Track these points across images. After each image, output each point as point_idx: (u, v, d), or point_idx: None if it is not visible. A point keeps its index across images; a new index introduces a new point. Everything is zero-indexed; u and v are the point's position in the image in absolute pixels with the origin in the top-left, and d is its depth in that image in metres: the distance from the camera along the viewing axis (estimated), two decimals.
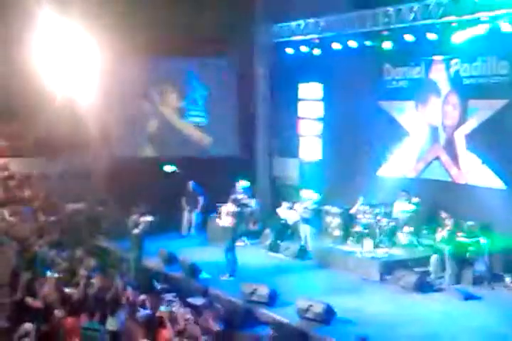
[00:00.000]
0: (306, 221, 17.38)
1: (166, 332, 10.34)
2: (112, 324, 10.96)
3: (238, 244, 18.25)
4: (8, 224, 17.38)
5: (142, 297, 11.94)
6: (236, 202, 16.06)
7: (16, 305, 11.38)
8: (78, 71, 19.84)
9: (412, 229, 16.08)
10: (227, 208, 15.67)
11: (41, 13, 18.88)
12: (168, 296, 12.46)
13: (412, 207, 16.31)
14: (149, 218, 15.68)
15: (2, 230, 16.78)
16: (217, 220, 16.22)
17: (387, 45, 16.67)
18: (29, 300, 11.68)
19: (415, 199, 16.41)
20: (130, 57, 19.79)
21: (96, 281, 13.00)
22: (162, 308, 11.15)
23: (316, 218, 17.69)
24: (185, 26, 19.28)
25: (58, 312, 10.97)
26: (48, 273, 13.50)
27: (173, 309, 11.18)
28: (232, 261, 15.36)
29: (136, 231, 15.70)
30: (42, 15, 18.92)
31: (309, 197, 17.55)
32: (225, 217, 15.61)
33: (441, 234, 14.68)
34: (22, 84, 19.38)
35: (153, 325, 10.49)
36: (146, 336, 10.14)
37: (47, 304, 11.45)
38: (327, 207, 18.12)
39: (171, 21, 19.14)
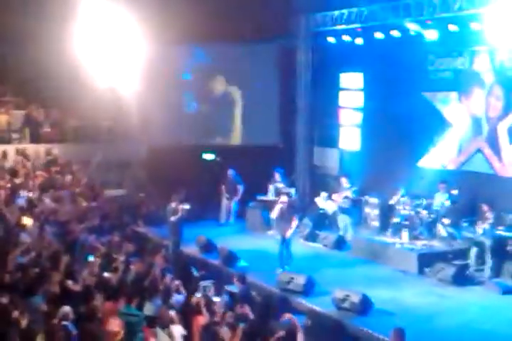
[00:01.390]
0: (344, 211, 17.34)
1: (202, 319, 10.39)
2: (149, 309, 11.08)
3: (273, 232, 18.39)
4: (49, 208, 17.60)
5: (176, 282, 12.03)
6: (288, 194, 15.73)
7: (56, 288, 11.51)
8: (120, 59, 20.01)
9: (451, 221, 15.89)
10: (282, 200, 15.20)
11: (84, 1, 19.08)
12: (205, 283, 12.55)
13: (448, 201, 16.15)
14: (187, 206, 15.79)
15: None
16: (272, 213, 15.57)
17: (431, 34, 16.49)
18: (69, 283, 11.82)
19: (454, 191, 16.23)
20: (173, 44, 19.86)
21: (134, 267, 13.14)
22: (198, 294, 11.22)
23: (354, 208, 17.64)
24: (228, 14, 19.30)
25: (97, 297, 11.11)
26: (88, 258, 13.70)
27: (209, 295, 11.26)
28: (288, 255, 14.98)
29: (173, 218, 15.83)
30: (85, 3, 19.10)
31: (348, 186, 17.49)
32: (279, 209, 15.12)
33: (482, 226, 14.53)
34: (65, 72, 19.63)
35: (188, 310, 10.55)
36: (181, 322, 10.20)
37: (86, 288, 11.58)
38: (366, 198, 18.03)
39: (214, 9, 19.17)
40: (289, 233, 14.85)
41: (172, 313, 10.48)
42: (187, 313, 10.43)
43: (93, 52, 19.81)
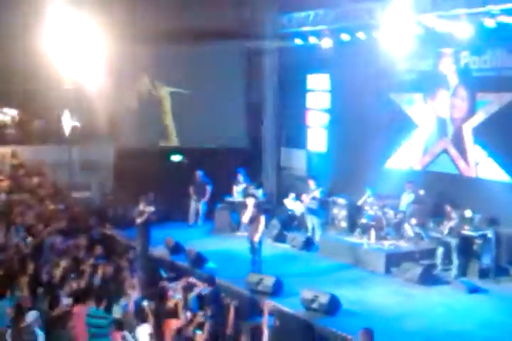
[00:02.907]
0: (312, 212, 17.42)
1: (174, 322, 10.36)
2: (117, 312, 11.03)
3: (244, 234, 18.39)
4: (16, 211, 17.42)
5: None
6: (254, 196, 15.65)
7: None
8: (86, 59, 19.87)
9: (418, 221, 16.04)
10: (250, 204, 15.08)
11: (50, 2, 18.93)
12: (174, 285, 12.50)
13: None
14: (151, 208, 15.76)
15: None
16: (243, 217, 15.29)
17: (396, 36, 16.61)
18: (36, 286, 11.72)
19: (421, 192, 16.39)
20: (139, 45, 19.74)
21: (102, 269, 13.05)
22: (177, 296, 11.18)
23: (322, 209, 17.73)
24: (193, 14, 19.24)
25: (64, 300, 11.03)
26: (55, 261, 13.58)
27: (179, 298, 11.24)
28: (259, 261, 14.83)
29: (139, 220, 15.79)
30: (50, 5, 18.96)
31: (316, 187, 17.57)
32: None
33: (448, 226, 14.70)
34: (30, 72, 19.46)
35: (160, 313, 10.51)
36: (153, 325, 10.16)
37: (53, 291, 11.49)
38: (334, 199, 18.14)
39: (178, 9, 19.10)
40: (256, 237, 14.76)
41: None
42: (159, 316, 10.37)
43: (58, 53, 19.65)
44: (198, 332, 9.91)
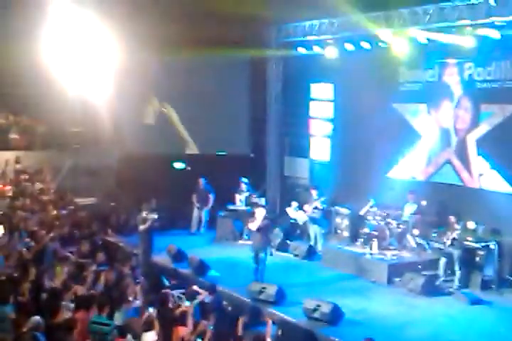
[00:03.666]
0: (315, 221, 17.43)
1: (182, 329, 10.36)
2: (118, 319, 11.02)
3: (246, 242, 18.42)
4: (19, 217, 17.44)
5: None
6: (264, 207, 15.62)
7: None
8: (91, 65, 19.92)
9: (421, 232, 16.04)
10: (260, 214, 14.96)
11: (56, 5, 18.96)
12: (177, 292, 12.52)
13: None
14: (154, 215, 15.77)
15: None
16: (250, 224, 15.13)
17: (401, 47, 16.66)
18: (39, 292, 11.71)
19: (423, 202, 16.40)
20: (144, 52, 19.80)
21: (104, 276, 13.06)
22: (187, 303, 11.16)
23: (325, 218, 17.74)
24: (198, 24, 19.29)
25: (67, 306, 11.03)
26: (57, 267, 13.58)
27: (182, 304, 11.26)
28: (262, 270, 14.67)
29: (142, 227, 15.80)
30: (56, 8, 19.00)
31: (318, 197, 17.59)
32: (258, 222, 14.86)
33: (451, 237, 14.69)
34: (34, 77, 19.48)
35: (167, 320, 10.51)
36: (160, 332, 10.15)
37: (55, 297, 11.48)
38: (337, 208, 18.14)
39: (185, 19, 19.16)
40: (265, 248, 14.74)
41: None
42: (166, 323, 10.37)
43: (63, 59, 19.70)
44: None
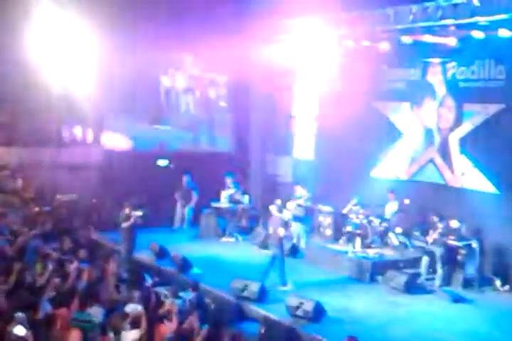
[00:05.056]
0: (298, 219, 17.41)
1: (165, 327, 10.34)
2: (96, 315, 10.94)
3: (229, 240, 18.43)
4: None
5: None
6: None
7: (8, 294, 11.34)
8: (75, 62, 19.81)
9: (403, 230, 16.12)
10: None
11: (40, 2, 18.85)
12: (161, 290, 12.50)
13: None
14: (139, 212, 15.72)
15: None
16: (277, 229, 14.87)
17: (384, 46, 16.71)
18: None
19: (406, 201, 16.47)
20: (127, 48, 19.73)
21: (86, 273, 13.00)
22: (169, 300, 11.12)
23: (308, 217, 17.75)
24: (181, 19, 19.21)
25: (48, 303, 10.98)
26: (39, 264, 13.51)
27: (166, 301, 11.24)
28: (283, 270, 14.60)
29: (125, 224, 15.75)
30: (38, 7, 18.89)
31: (302, 194, 17.61)
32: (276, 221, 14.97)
33: (433, 236, 14.77)
34: (17, 73, 19.34)
35: (151, 317, 10.49)
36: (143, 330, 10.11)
37: (37, 294, 11.43)
38: (320, 206, 18.16)
39: (166, 13, 19.06)
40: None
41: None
42: (149, 320, 10.34)
43: (46, 55, 19.58)
44: None
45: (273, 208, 18.23)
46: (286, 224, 14.99)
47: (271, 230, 15.09)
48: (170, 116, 21.22)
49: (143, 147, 20.64)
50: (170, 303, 11.04)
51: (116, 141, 20.73)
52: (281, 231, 14.68)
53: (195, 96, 21.17)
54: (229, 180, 19.20)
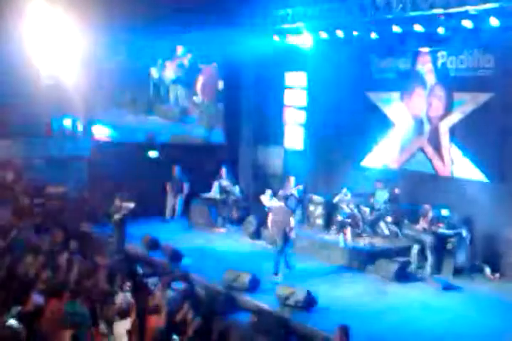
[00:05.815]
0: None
1: (155, 319, 10.35)
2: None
3: (220, 230, 18.45)
4: None
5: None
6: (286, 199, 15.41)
7: None
8: (64, 54, 19.74)
9: (394, 219, 16.17)
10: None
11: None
12: (151, 280, 12.51)
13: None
14: (131, 204, 15.74)
15: None
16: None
17: (373, 35, 16.72)
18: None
19: (396, 190, 16.51)
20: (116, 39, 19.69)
21: (77, 265, 13.01)
22: (159, 293, 11.11)
23: (298, 206, 17.77)
24: (170, 13, 19.14)
25: (39, 295, 10.97)
26: (29, 256, 13.50)
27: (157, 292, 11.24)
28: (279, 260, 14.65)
29: (117, 216, 15.76)
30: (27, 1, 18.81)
31: (295, 185, 17.63)
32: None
33: (423, 224, 14.83)
34: (5, 67, 19.27)
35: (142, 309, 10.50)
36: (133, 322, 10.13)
37: (27, 286, 11.42)
38: (310, 196, 18.18)
39: (156, 6, 18.98)
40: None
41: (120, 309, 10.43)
42: (140, 312, 10.35)
43: (36, 49, 19.51)
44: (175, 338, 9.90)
45: (264, 198, 18.33)
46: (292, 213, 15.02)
47: (271, 220, 14.99)
48: (158, 107, 21.05)
49: (131, 138, 20.53)
50: (158, 297, 11.01)
51: (106, 133, 20.68)
52: (292, 222, 14.66)
53: (188, 87, 21.01)
54: (224, 170, 19.18)
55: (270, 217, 15.05)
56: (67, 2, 18.53)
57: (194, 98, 20.78)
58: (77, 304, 10.36)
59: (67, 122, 21.18)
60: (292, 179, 17.85)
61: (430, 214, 14.86)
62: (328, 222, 17.36)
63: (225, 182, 18.93)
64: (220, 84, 21.04)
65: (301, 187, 17.76)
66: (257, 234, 17.73)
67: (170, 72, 20.82)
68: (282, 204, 15.10)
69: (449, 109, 16.15)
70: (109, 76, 20.40)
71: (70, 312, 10.19)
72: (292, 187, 17.59)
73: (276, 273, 14.38)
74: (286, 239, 14.61)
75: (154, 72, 20.78)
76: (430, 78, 16.58)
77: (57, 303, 10.44)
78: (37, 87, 19.77)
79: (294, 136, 20.43)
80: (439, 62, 16.28)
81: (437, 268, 14.71)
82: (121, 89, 20.62)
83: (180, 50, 20.66)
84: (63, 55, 19.67)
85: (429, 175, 16.60)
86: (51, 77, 19.95)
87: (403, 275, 14.29)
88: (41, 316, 10.19)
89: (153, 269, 14.58)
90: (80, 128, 20.99)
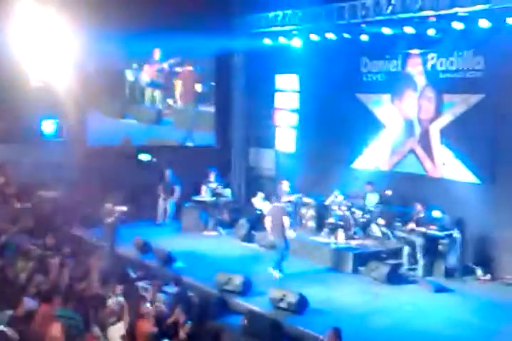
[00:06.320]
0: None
1: (146, 325, 10.34)
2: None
3: (212, 233, 18.42)
4: None
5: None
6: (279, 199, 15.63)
7: None
8: (53, 57, 19.68)
9: (385, 221, 16.19)
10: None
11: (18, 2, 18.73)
12: (143, 284, 12.49)
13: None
14: (124, 208, 15.71)
15: None
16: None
17: (364, 37, 16.77)
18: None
19: (388, 192, 16.54)
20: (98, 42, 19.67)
21: (69, 269, 12.98)
22: (147, 305, 11.06)
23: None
24: (163, 15, 19.14)
25: (30, 299, 10.94)
26: (21, 260, 13.48)
27: (148, 295, 11.23)
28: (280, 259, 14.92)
29: (109, 220, 15.72)
30: (17, 2, 18.75)
31: (290, 190, 17.67)
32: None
33: (413, 225, 14.86)
34: None
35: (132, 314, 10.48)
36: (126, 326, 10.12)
37: (19, 290, 11.40)
38: (302, 199, 18.18)
39: (148, 9, 18.98)
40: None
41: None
42: (131, 315, 10.34)
43: (25, 53, 19.45)
44: None
45: (256, 201, 18.34)
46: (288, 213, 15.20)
47: (268, 222, 15.07)
48: (134, 109, 21.02)
49: (110, 141, 20.48)
50: (145, 308, 10.95)
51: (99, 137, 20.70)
52: (287, 221, 14.78)
53: (165, 90, 21.03)
54: (212, 174, 19.16)
55: (268, 222, 15.07)
56: (57, 3, 18.51)
57: (169, 101, 20.81)
58: (69, 309, 10.33)
59: (58, 126, 21.11)
60: (286, 183, 17.85)
61: (421, 215, 14.89)
62: (320, 224, 17.38)
63: (214, 185, 18.91)
64: (198, 87, 21.00)
65: (300, 195, 17.77)
66: (248, 237, 17.72)
67: (146, 75, 20.78)
68: (277, 204, 15.19)
69: (439, 111, 16.19)
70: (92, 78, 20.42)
71: (62, 316, 10.16)
72: (287, 192, 17.59)
73: (275, 269, 14.55)
74: (285, 237, 14.84)
75: (129, 75, 20.72)
76: (420, 80, 16.62)
77: (48, 308, 10.41)
78: (25, 90, 19.70)
79: (286, 138, 20.45)
80: (429, 64, 16.32)
81: (429, 270, 14.73)
82: (101, 92, 20.53)
83: (157, 53, 20.66)
84: (52, 57, 19.61)
85: (421, 177, 16.64)
86: (40, 81, 19.89)
87: (395, 278, 14.30)
88: (32, 321, 10.17)
89: (145, 272, 14.58)
90: (71, 132, 20.92)
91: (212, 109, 21.42)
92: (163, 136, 20.91)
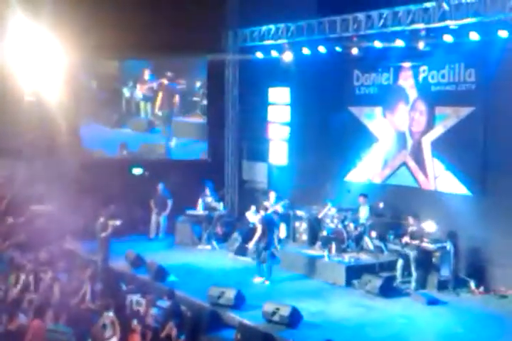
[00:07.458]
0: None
1: (137, 337, 10.32)
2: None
3: (206, 247, 18.39)
4: None
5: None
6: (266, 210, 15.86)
7: None
8: (47, 73, 19.72)
9: (378, 234, 16.18)
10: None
11: (10, 14, 18.77)
12: (135, 297, 12.46)
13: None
14: (117, 222, 15.69)
15: None
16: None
17: (355, 51, 16.84)
18: None
19: (380, 205, 16.56)
20: (98, 57, 19.85)
21: (62, 283, 12.96)
22: (135, 322, 11.02)
23: (283, 222, 17.79)
24: (156, 28, 19.22)
25: (22, 315, 10.91)
26: (13, 275, 13.45)
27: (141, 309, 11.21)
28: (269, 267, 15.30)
29: (103, 234, 15.71)
30: (11, 17, 18.80)
31: (276, 201, 17.64)
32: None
33: (407, 239, 14.85)
34: None
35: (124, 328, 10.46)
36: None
37: (11, 305, 11.37)
38: (295, 212, 18.19)
39: (139, 24, 19.06)
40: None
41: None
42: (122, 329, 10.32)
43: (19, 65, 19.48)
44: None
45: (249, 215, 18.33)
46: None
47: (259, 230, 15.38)
48: (130, 120, 21.82)
49: (108, 152, 21.12)
50: (135, 325, 10.91)
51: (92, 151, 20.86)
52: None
53: (153, 103, 21.77)
54: (207, 189, 19.11)
55: (258, 231, 15.27)
56: (50, 19, 18.57)
57: (157, 112, 21.80)
58: (61, 324, 10.30)
59: (52, 140, 21.14)
60: (272, 193, 17.87)
61: (414, 228, 14.90)
62: (313, 237, 17.36)
63: (209, 199, 18.90)
64: (176, 98, 21.70)
65: (286, 201, 17.76)
66: (242, 251, 17.68)
67: (139, 92, 21.80)
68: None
69: (431, 124, 16.23)
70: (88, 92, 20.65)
71: (53, 331, 10.14)
72: (273, 202, 17.59)
73: (262, 277, 14.75)
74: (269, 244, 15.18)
75: (126, 91, 21.80)
76: (412, 93, 16.69)
77: (39, 324, 10.37)
78: (19, 105, 19.74)
79: (278, 151, 20.47)
80: (421, 77, 16.39)
81: (422, 282, 14.70)
82: (97, 104, 21.42)
83: (146, 73, 21.50)
84: (45, 71, 19.65)
85: (413, 189, 16.65)
86: (33, 95, 19.94)
87: (388, 290, 14.27)
88: (23, 336, 10.14)
89: (137, 286, 14.55)
90: (65, 145, 20.94)
91: (200, 120, 21.80)
92: (153, 142, 21.85)
